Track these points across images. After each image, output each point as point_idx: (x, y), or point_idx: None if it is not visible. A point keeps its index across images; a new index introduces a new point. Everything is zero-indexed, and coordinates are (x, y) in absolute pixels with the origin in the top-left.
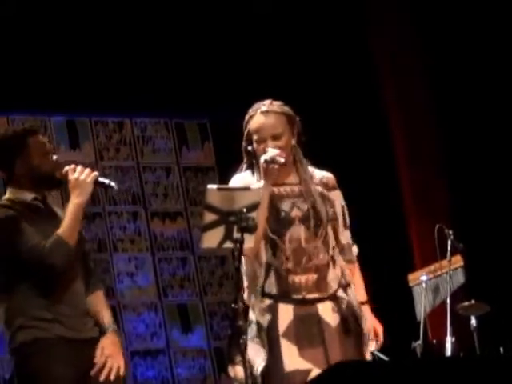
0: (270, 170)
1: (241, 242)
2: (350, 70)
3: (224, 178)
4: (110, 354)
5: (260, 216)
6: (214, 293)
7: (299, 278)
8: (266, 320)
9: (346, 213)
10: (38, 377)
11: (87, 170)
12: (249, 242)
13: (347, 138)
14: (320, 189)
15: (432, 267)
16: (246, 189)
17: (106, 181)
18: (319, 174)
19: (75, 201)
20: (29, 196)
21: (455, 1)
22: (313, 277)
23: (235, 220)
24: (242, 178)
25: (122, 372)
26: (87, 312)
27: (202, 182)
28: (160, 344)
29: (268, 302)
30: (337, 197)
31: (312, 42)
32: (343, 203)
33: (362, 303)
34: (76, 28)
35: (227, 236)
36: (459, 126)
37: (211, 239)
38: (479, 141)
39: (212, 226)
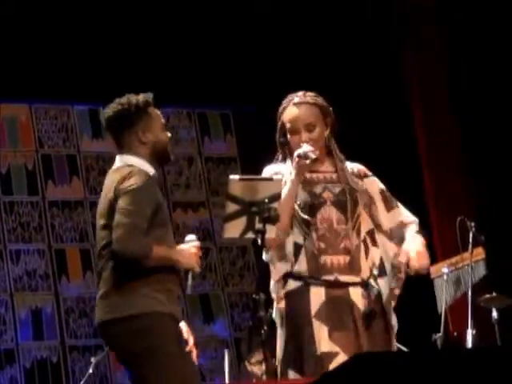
0: (301, 164)
1: (263, 232)
2: (350, 70)
3: (246, 169)
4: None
5: (285, 206)
6: (235, 283)
7: (331, 259)
8: (284, 307)
9: (388, 195)
10: (156, 351)
11: (196, 258)
12: (271, 232)
13: (370, 134)
14: (354, 178)
15: (453, 259)
16: (269, 179)
17: (190, 280)
18: (350, 166)
19: (179, 261)
20: (150, 169)
21: None
22: (345, 258)
23: (257, 210)
24: (274, 168)
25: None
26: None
27: (224, 173)
28: None
29: (298, 283)
30: (371, 183)
31: (326, 36)
32: (382, 187)
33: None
34: (100, 18)
35: (249, 226)
36: (480, 120)
37: (233, 229)
38: (500, 134)
39: (234, 216)
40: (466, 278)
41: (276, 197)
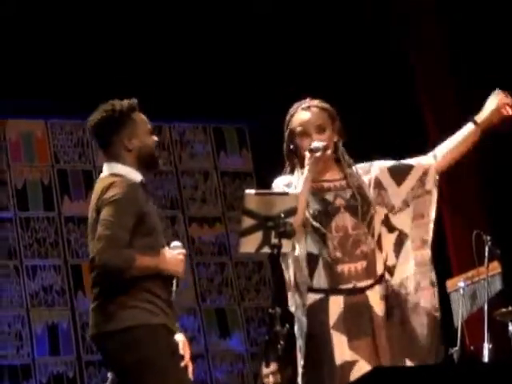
0: (314, 159)
1: (279, 247)
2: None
3: (262, 184)
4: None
5: (299, 205)
6: (251, 298)
7: (348, 267)
8: (304, 320)
9: (396, 167)
10: (148, 364)
11: (183, 264)
12: (287, 246)
13: (370, 135)
14: (368, 178)
15: (470, 274)
16: (284, 194)
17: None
18: (361, 167)
19: (161, 266)
20: (138, 176)
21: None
22: (362, 264)
23: (273, 225)
24: (284, 180)
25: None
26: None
27: (240, 188)
28: (198, 348)
29: (318, 296)
30: (377, 168)
31: (326, 36)
32: (388, 165)
33: None
34: (113, 36)
35: (265, 241)
36: (496, 132)
37: (249, 244)
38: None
39: (250, 230)
40: (482, 292)
41: (292, 211)
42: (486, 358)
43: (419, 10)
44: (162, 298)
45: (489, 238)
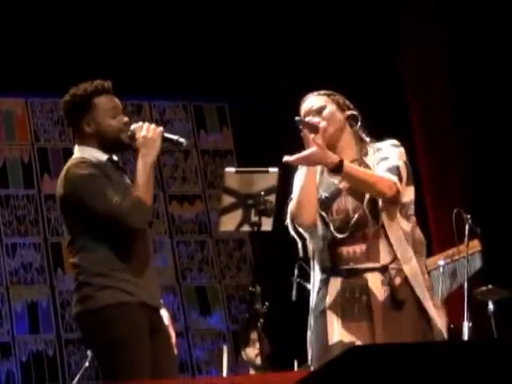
0: (303, 134)
1: (258, 225)
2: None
3: (242, 162)
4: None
5: (308, 185)
6: (232, 276)
7: (347, 249)
8: (313, 299)
9: (405, 171)
10: (123, 343)
11: (153, 126)
12: (266, 225)
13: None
14: (375, 158)
15: (450, 252)
16: (265, 171)
17: (174, 137)
18: (377, 145)
19: (145, 159)
20: (103, 156)
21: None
22: (361, 247)
23: (253, 203)
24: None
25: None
26: (156, 279)
27: (221, 166)
28: (178, 327)
29: (323, 276)
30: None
31: (325, 35)
32: (403, 160)
33: None
34: (95, 11)
35: (245, 219)
36: (476, 115)
37: (229, 222)
38: (497, 128)
39: (230, 209)
40: (462, 271)
41: (272, 189)
42: (465, 337)
43: (419, 11)
44: (140, 275)
45: (469, 216)
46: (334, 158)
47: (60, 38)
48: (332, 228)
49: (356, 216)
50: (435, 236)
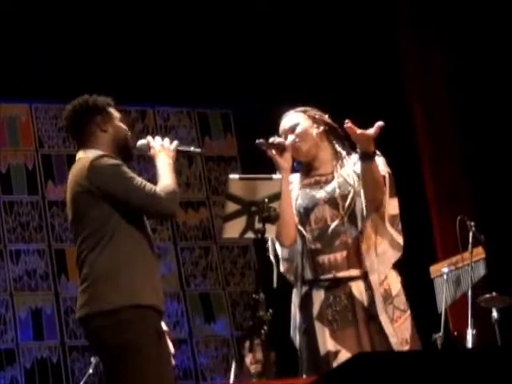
0: (270, 155)
1: (262, 232)
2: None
3: (246, 168)
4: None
5: (282, 203)
6: (236, 282)
7: (328, 258)
8: (296, 311)
9: (389, 181)
10: (135, 348)
11: (167, 139)
12: (270, 232)
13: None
14: (354, 170)
15: (454, 259)
16: (268, 178)
17: (189, 148)
18: (356, 156)
19: (168, 161)
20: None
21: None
22: (342, 254)
23: (257, 210)
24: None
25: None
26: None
27: (225, 172)
28: (182, 333)
29: (305, 288)
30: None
31: (325, 36)
32: (387, 170)
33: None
34: (100, 18)
35: (249, 226)
36: (480, 123)
37: (233, 229)
38: (500, 136)
39: (234, 215)
40: (466, 278)
41: (276, 196)
42: (469, 344)
43: (419, 11)
44: (152, 277)
45: (473, 223)
46: (374, 147)
47: (65, 44)
48: (311, 237)
49: (335, 224)
50: (439, 243)
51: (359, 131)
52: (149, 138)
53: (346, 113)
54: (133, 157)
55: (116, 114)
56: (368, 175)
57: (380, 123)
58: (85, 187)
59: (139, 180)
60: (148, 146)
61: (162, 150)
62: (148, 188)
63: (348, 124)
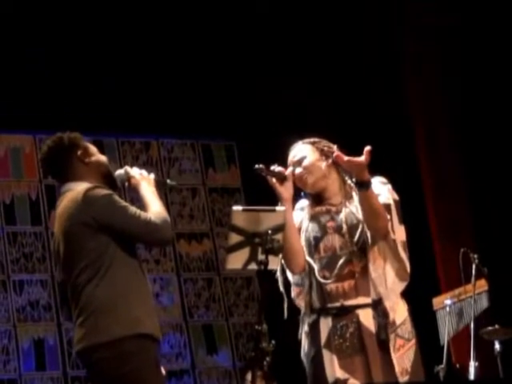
0: (270, 182)
1: (265, 263)
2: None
3: (250, 200)
4: None
5: (288, 232)
6: (239, 314)
7: (336, 286)
8: (305, 341)
9: (396, 209)
10: (138, 379)
11: (144, 170)
12: (273, 263)
13: (375, 167)
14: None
15: (456, 291)
16: (271, 210)
17: (165, 180)
18: None
19: (151, 189)
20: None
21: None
22: (350, 283)
23: (260, 241)
24: (300, 203)
25: None
26: None
27: (228, 204)
28: (185, 364)
29: (313, 317)
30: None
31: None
32: (393, 197)
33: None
34: (102, 46)
35: (252, 257)
36: (483, 153)
37: (236, 260)
38: (503, 166)
39: (237, 247)
40: (468, 310)
41: (279, 228)
42: (472, 376)
43: (419, 11)
44: (149, 305)
45: (476, 256)
46: (368, 175)
47: (68, 75)
48: (319, 265)
49: (344, 252)
50: (442, 275)
51: (346, 158)
52: (126, 167)
53: (346, 120)
54: (117, 185)
55: (91, 145)
56: (365, 203)
57: (368, 148)
58: (80, 219)
59: (133, 208)
60: (127, 176)
61: (143, 178)
62: (143, 216)
63: (335, 153)
